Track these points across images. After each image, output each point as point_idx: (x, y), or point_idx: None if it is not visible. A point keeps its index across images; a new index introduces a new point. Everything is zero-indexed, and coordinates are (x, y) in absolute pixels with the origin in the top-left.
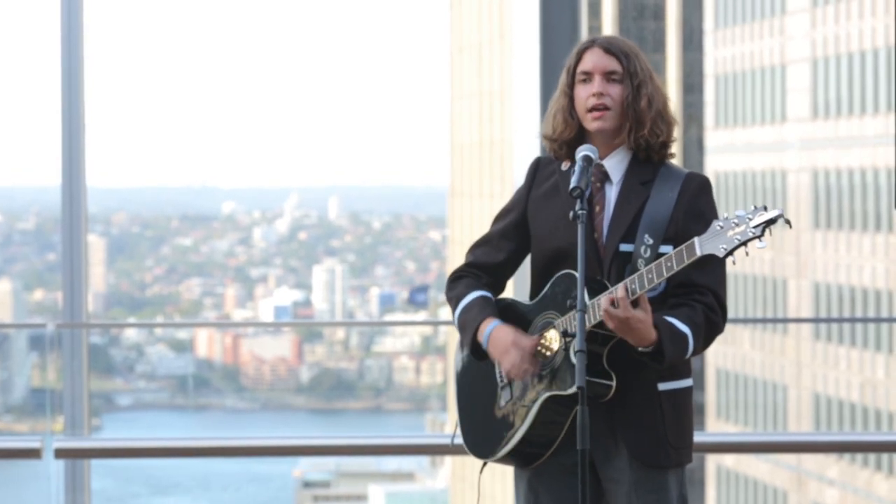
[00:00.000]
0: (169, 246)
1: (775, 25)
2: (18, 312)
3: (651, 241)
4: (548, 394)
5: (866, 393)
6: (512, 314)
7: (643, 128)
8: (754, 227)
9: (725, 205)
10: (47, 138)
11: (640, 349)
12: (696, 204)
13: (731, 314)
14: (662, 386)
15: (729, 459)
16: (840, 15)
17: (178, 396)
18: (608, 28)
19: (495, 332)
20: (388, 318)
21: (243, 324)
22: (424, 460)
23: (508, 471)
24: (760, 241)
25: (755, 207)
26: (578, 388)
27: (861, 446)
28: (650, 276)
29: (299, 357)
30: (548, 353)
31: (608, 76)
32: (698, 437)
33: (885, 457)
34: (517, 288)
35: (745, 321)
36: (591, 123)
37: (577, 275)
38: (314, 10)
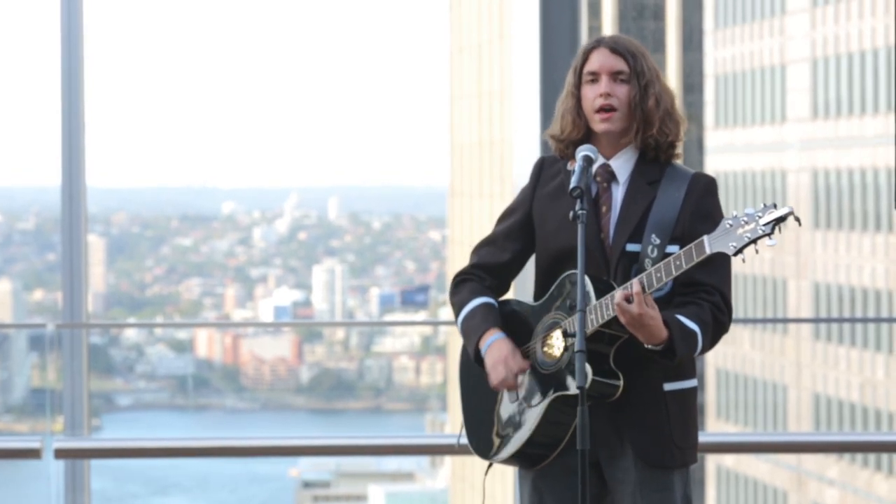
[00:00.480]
0: (169, 246)
1: (775, 25)
2: (18, 312)
3: (658, 241)
4: (556, 394)
5: (866, 393)
6: (516, 317)
7: (652, 127)
8: (764, 225)
9: (725, 205)
10: (47, 138)
11: (648, 346)
12: (703, 204)
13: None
14: (668, 386)
15: (729, 459)
16: (840, 15)
17: (177, 396)
18: (608, 28)
19: (494, 345)
20: (388, 318)
21: (243, 324)
22: (424, 460)
23: (509, 471)
24: (770, 238)
25: (765, 205)
26: (578, 388)
27: (861, 446)
28: (659, 274)
29: (299, 357)
30: (555, 354)
31: (615, 76)
32: (698, 437)
33: (885, 457)
34: (517, 288)
35: (746, 321)
36: (599, 125)
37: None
38: (314, 10)
